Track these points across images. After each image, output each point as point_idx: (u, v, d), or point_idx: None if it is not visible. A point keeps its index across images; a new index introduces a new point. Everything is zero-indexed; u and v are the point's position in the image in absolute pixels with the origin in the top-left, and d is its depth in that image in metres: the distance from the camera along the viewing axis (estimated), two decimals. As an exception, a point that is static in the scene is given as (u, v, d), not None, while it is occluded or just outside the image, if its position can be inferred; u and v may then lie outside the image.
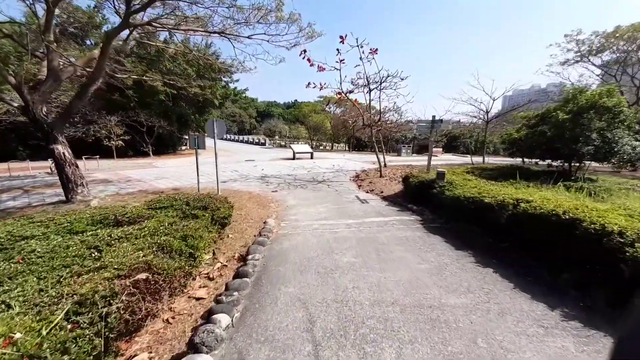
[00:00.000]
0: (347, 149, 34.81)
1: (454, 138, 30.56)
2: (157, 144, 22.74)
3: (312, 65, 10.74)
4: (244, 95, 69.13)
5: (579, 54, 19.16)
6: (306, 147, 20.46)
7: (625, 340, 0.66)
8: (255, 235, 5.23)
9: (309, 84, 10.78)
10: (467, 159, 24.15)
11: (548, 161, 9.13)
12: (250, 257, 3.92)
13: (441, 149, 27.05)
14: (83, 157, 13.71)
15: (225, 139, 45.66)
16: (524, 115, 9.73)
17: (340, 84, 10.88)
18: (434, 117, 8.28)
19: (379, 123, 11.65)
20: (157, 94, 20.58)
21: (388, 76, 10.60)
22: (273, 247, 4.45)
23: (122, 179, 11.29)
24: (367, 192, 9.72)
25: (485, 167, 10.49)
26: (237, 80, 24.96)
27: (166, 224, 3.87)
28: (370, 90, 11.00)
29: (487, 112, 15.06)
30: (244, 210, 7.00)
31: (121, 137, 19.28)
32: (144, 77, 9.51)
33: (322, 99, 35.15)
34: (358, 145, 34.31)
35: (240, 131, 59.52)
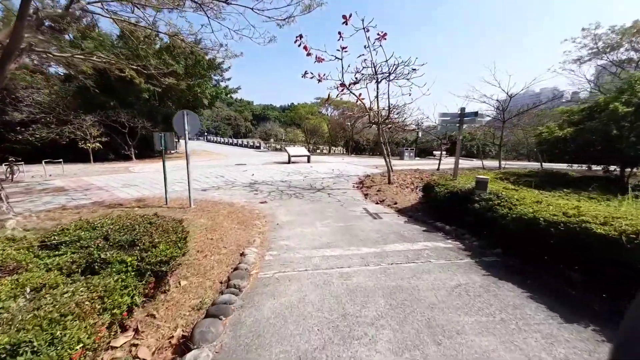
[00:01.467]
0: (345, 152, 32.98)
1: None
2: (141, 146, 20.63)
3: (309, 54, 8.85)
4: (238, 97, 66.73)
5: (595, 49, 17.58)
6: (302, 150, 18.52)
7: (625, 341, 0.61)
8: (221, 283, 3.27)
9: (305, 73, 8.87)
10: (474, 162, 22.43)
11: (603, 166, 7.30)
12: (190, 357, 1.94)
13: (445, 152, 25.32)
14: (43, 161, 11.61)
15: (219, 142, 43.57)
16: (565, 109, 7.93)
17: (342, 74, 9.00)
18: (462, 109, 6.43)
19: (389, 120, 9.77)
20: (140, 93, 18.57)
21: (398, 65, 8.73)
22: (242, 319, 2.47)
23: (81, 187, 9.24)
24: (377, 202, 7.81)
25: (517, 172, 8.65)
26: (229, 79, 23.05)
27: (27, 292, 1.91)
28: (378, 82, 9.13)
29: (504, 111, 13.30)
30: (218, 232, 5.02)
31: (98, 139, 17.17)
32: (95, 60, 7.52)
33: (319, 100, 33.38)
34: (357, 149, 32.51)
35: (236, 134, 57.41)
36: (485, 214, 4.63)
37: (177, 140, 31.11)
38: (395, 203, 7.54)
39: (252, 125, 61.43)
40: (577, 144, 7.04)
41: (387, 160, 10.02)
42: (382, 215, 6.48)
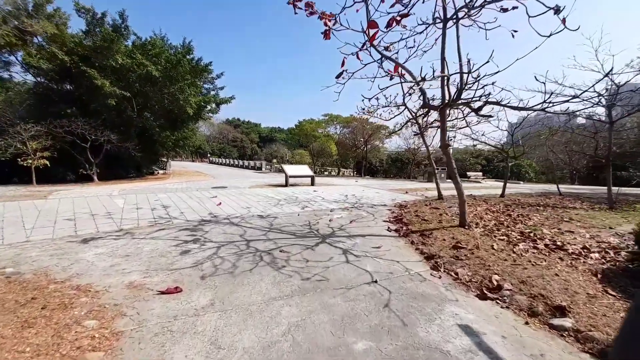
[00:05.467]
0: (356, 173, 28.07)
1: (488, 161, 23.75)
2: (109, 164, 16.26)
3: (312, 12, 4.11)
4: (245, 119, 63.28)
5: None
6: (304, 169, 13.68)
7: (625, 341, 0.59)
8: None
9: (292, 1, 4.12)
10: (523, 185, 17.09)
11: None
12: None
13: (481, 173, 20.11)
14: None
15: (221, 164, 39.55)
16: None
17: (368, 16, 4.30)
18: None
19: (459, 102, 4.74)
20: (106, 98, 14.44)
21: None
22: None
23: None
24: (484, 294, 2.66)
25: None
26: (222, 88, 19.03)
27: None
28: (445, 24, 4.33)
29: (611, 107, 8.30)
30: None
31: (40, 155, 12.81)
32: None
33: (326, 117, 29.17)
34: (369, 170, 27.60)
35: (242, 156, 53.70)
36: None
37: (165, 160, 26.96)
38: (564, 309, 2.37)
39: (258, 147, 57.70)
40: None
41: (457, 181, 4.95)
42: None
